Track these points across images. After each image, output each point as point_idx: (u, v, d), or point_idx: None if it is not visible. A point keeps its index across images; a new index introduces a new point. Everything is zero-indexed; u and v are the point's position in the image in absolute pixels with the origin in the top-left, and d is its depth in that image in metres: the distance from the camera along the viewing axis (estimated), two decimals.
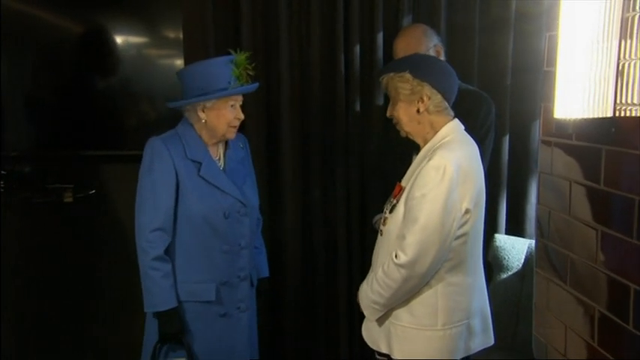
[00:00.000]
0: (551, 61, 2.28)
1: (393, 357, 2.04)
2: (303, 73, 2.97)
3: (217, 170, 2.27)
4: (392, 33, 2.82)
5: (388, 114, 2.08)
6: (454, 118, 2.04)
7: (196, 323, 2.25)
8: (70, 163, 3.12)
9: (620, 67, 1.90)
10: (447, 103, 2.01)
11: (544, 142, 2.40)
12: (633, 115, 1.84)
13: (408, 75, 1.98)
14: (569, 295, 2.19)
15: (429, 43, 2.58)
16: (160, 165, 2.18)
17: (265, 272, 2.54)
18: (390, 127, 2.15)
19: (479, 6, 2.94)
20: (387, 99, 2.10)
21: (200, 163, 2.23)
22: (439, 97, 1.98)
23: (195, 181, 2.21)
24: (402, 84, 1.99)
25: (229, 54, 2.21)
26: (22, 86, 3.15)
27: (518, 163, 3.00)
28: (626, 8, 1.88)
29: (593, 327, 2.04)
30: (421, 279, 1.93)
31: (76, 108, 3.10)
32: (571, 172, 2.17)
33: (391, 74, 2.02)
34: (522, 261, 2.78)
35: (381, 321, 2.06)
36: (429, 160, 1.91)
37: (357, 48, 2.93)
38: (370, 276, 2.06)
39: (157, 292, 2.17)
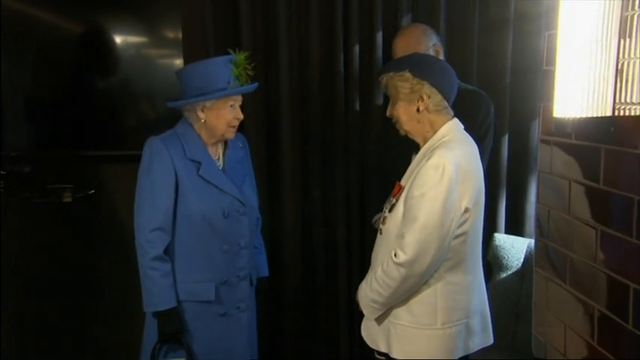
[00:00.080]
0: (551, 61, 2.28)
1: (392, 356, 2.04)
2: (303, 72, 2.97)
3: (216, 170, 2.27)
4: (391, 32, 2.81)
5: (388, 113, 2.08)
6: (453, 117, 2.04)
7: (196, 323, 2.25)
8: (69, 163, 3.12)
9: (620, 66, 1.90)
10: (446, 103, 2.01)
11: (543, 141, 2.40)
12: (632, 114, 1.84)
13: (407, 74, 1.98)
14: (569, 294, 2.19)
15: (429, 43, 2.58)
16: (159, 165, 2.18)
17: (265, 272, 2.54)
18: (390, 126, 2.15)
19: (478, 6, 2.94)
20: (386, 99, 2.10)
21: (199, 163, 2.23)
22: (439, 96, 1.99)
23: (195, 181, 2.21)
24: (402, 83, 1.99)
25: (228, 54, 2.21)
26: (22, 86, 3.15)
27: (518, 162, 3.01)
28: (625, 7, 1.88)
29: (593, 326, 2.04)
30: (420, 278, 1.93)
31: (75, 108, 3.10)
32: (570, 171, 2.17)
33: (391, 73, 2.02)
34: (522, 260, 2.79)
35: (380, 320, 2.06)
36: (429, 159, 1.92)
37: (357, 48, 2.93)
38: (369, 275, 2.06)
39: (157, 292, 2.17)
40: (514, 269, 2.79)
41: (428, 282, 1.96)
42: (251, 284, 2.40)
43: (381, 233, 2.08)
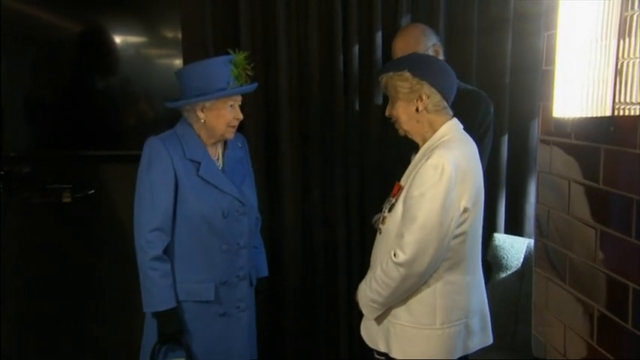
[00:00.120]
0: (550, 61, 2.28)
1: (391, 356, 2.04)
2: (302, 72, 2.98)
3: (216, 170, 2.27)
4: (390, 33, 2.82)
5: (387, 113, 2.08)
6: (453, 117, 2.04)
7: (195, 323, 2.25)
8: (69, 163, 3.12)
9: (619, 66, 1.89)
10: (445, 103, 2.01)
11: (543, 141, 2.40)
12: (632, 114, 1.84)
13: (407, 74, 1.98)
14: (569, 294, 2.18)
15: (428, 43, 2.58)
16: (158, 165, 2.18)
17: (264, 272, 2.54)
18: (389, 126, 2.15)
19: (477, 6, 2.95)
20: (385, 99, 2.10)
21: (199, 163, 2.23)
22: (438, 96, 1.99)
23: (194, 181, 2.21)
24: (402, 82, 1.99)
25: (228, 54, 2.21)
26: (21, 86, 3.15)
27: (517, 162, 3.01)
28: (624, 7, 1.88)
29: (593, 326, 2.04)
30: (419, 278, 1.93)
31: (74, 108, 3.10)
32: (570, 171, 2.17)
33: (390, 73, 2.02)
34: (521, 260, 2.79)
35: (379, 320, 2.06)
36: (428, 159, 1.92)
37: (356, 48, 2.94)
38: (369, 275, 2.06)
39: (156, 292, 2.17)
40: (513, 269, 2.79)
41: (427, 282, 1.96)
42: (250, 284, 2.40)
43: (380, 233, 2.08)
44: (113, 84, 3.20)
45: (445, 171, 1.87)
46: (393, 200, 2.03)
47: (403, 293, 1.97)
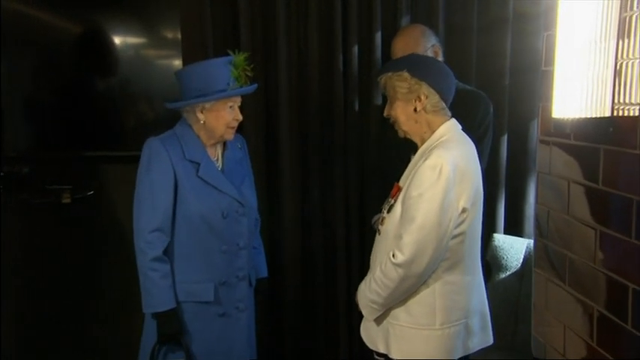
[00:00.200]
0: (550, 61, 2.28)
1: (390, 356, 2.04)
2: (302, 73, 2.97)
3: (215, 171, 2.27)
4: (390, 33, 2.81)
5: (385, 113, 2.08)
6: (451, 117, 2.04)
7: (195, 323, 2.25)
8: (68, 163, 3.12)
9: (618, 67, 1.89)
10: (444, 103, 2.01)
11: (542, 141, 2.40)
12: (631, 114, 1.84)
13: (406, 74, 1.98)
14: (568, 294, 2.19)
15: (427, 44, 2.58)
16: (158, 165, 2.18)
17: (264, 272, 2.54)
18: (388, 127, 2.15)
19: (477, 6, 2.94)
20: (385, 99, 2.11)
21: (198, 164, 2.23)
22: (436, 96, 1.99)
23: (194, 182, 2.21)
24: (400, 83, 2.00)
25: (228, 54, 2.21)
26: (21, 87, 3.15)
27: (517, 162, 3.00)
28: (623, 8, 1.88)
29: (592, 326, 2.04)
30: (418, 278, 1.93)
31: (74, 109, 3.11)
32: (569, 171, 2.17)
33: (389, 74, 2.02)
34: (521, 261, 2.79)
35: (379, 321, 2.06)
36: (426, 159, 1.92)
37: (356, 48, 2.93)
38: (368, 276, 2.06)
39: (156, 293, 2.17)
40: (513, 270, 2.79)
41: (426, 282, 1.96)
42: (250, 284, 2.40)
43: (379, 234, 2.08)
44: (113, 85, 3.20)
45: (443, 171, 1.87)
46: (392, 201, 2.03)
47: (402, 294, 1.97)
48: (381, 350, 2.08)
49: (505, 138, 2.98)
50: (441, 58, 2.60)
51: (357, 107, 2.99)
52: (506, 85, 2.95)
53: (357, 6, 2.91)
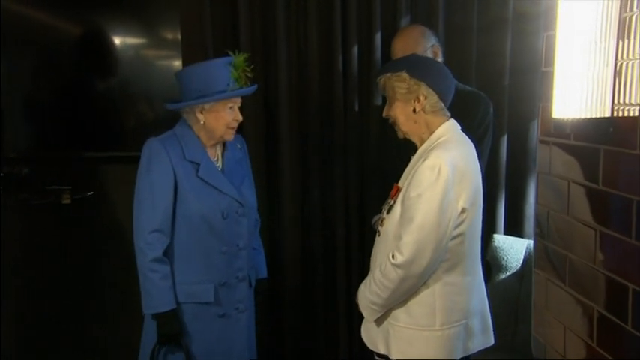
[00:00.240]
0: (549, 61, 2.28)
1: (391, 357, 2.04)
2: (301, 73, 2.97)
3: (215, 171, 2.27)
4: (390, 33, 2.81)
5: (384, 114, 2.08)
6: (450, 118, 2.04)
7: (195, 324, 2.25)
8: (68, 164, 3.12)
9: (618, 67, 1.90)
10: (443, 104, 2.01)
11: (542, 142, 2.40)
12: (631, 115, 1.84)
13: (405, 74, 1.99)
14: (568, 295, 2.19)
15: (427, 44, 2.58)
16: (157, 166, 2.18)
17: (263, 273, 2.54)
18: (389, 126, 2.15)
19: (477, 6, 2.94)
20: (385, 99, 2.11)
21: (198, 164, 2.23)
22: (435, 97, 1.99)
23: (194, 182, 2.21)
24: (399, 83, 2.00)
25: (227, 55, 2.20)
26: (21, 87, 3.15)
27: (517, 163, 3.00)
28: (623, 8, 1.88)
29: (592, 327, 2.04)
30: (418, 279, 1.93)
31: (74, 109, 3.11)
32: (569, 172, 2.17)
33: (388, 74, 2.03)
34: (521, 261, 2.79)
35: (379, 321, 2.06)
36: (425, 160, 1.92)
37: (355, 48, 2.93)
38: (369, 277, 2.06)
39: (156, 294, 2.17)
40: (513, 270, 2.79)
41: (426, 283, 1.96)
42: (250, 285, 2.40)
43: (379, 235, 2.08)
44: (112, 85, 3.20)
45: (442, 172, 1.87)
46: (392, 202, 2.04)
47: (402, 295, 1.97)
48: (382, 351, 2.07)
49: (505, 138, 2.98)
50: (440, 59, 2.60)
51: (357, 107, 2.99)
52: (506, 85, 2.95)
53: (357, 6, 2.91)
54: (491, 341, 2.12)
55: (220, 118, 2.21)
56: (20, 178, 3.06)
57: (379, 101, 2.94)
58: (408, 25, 2.85)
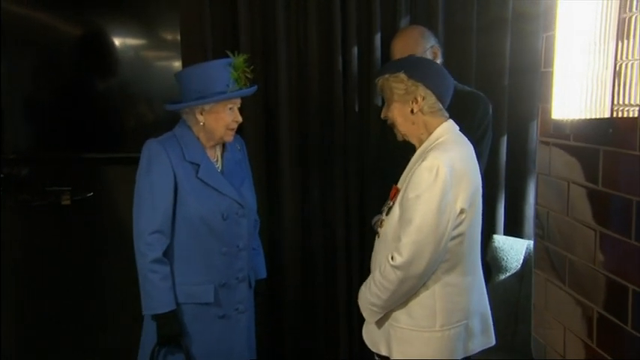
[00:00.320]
0: (549, 62, 2.28)
1: (392, 358, 2.04)
2: (301, 74, 2.97)
3: (215, 172, 2.27)
4: (389, 34, 2.81)
5: (382, 115, 2.09)
6: (448, 119, 2.04)
7: (195, 325, 2.25)
8: (68, 165, 3.12)
9: (618, 68, 1.90)
10: (441, 105, 2.01)
11: (542, 142, 2.40)
12: (631, 115, 1.84)
13: (402, 75, 1.99)
14: (568, 295, 2.19)
15: (426, 45, 2.58)
16: (157, 167, 2.18)
17: (263, 273, 2.54)
18: (387, 128, 2.16)
19: (476, 6, 2.94)
20: (384, 100, 2.11)
21: (198, 165, 2.23)
22: (433, 98, 1.99)
23: (194, 183, 2.21)
24: (397, 84, 2.00)
25: (227, 56, 2.20)
26: (21, 88, 3.15)
27: (516, 163, 3.00)
28: (623, 9, 1.88)
29: (592, 327, 2.04)
30: (418, 280, 1.93)
31: (74, 110, 3.11)
32: (569, 172, 2.17)
33: (386, 75, 2.03)
34: (521, 262, 2.79)
35: (380, 323, 2.06)
36: (423, 161, 1.92)
37: (355, 49, 2.93)
38: (369, 279, 2.06)
39: (156, 295, 2.17)
40: (513, 271, 2.79)
41: (426, 284, 1.96)
42: (250, 286, 2.40)
43: (379, 236, 2.08)
44: (112, 86, 3.21)
45: (440, 173, 1.87)
46: (391, 203, 2.04)
47: (402, 296, 1.97)
48: (383, 352, 2.07)
49: (505, 139, 2.98)
50: (440, 59, 2.60)
51: (356, 107, 2.99)
52: (506, 85, 2.95)
53: (357, 7, 2.91)
54: (492, 342, 2.12)
55: (220, 119, 2.21)
56: (20, 179, 3.06)
57: (379, 102, 2.94)
58: (407, 26, 2.85)
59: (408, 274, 1.90)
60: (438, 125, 2.01)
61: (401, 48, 2.56)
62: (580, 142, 2.10)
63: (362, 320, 2.16)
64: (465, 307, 2.01)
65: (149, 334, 2.25)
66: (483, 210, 2.06)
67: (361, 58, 2.95)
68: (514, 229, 3.02)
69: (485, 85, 2.88)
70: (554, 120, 2.22)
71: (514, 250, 2.81)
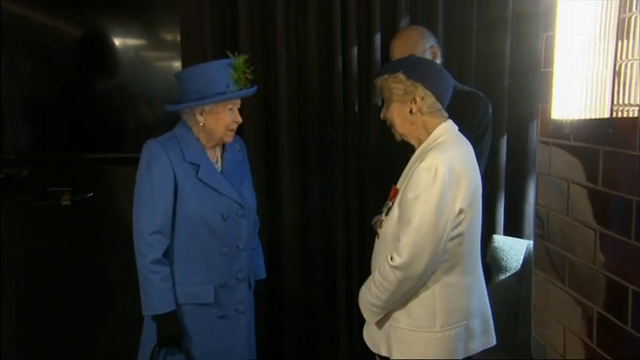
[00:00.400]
0: (549, 62, 2.28)
1: (392, 359, 2.04)
2: (301, 74, 2.97)
3: (215, 172, 2.27)
4: (389, 34, 2.81)
5: (382, 115, 2.09)
6: (448, 119, 2.04)
7: (195, 325, 2.25)
8: (68, 165, 3.12)
9: (617, 68, 1.90)
10: (440, 105, 2.01)
11: (542, 142, 2.40)
12: (630, 115, 1.84)
13: (401, 75, 1.99)
14: (568, 295, 2.19)
15: (426, 45, 2.58)
16: (157, 167, 2.18)
17: (262, 274, 2.54)
18: (387, 128, 2.16)
19: (476, 7, 2.94)
20: (384, 101, 2.11)
21: (198, 166, 2.23)
22: (432, 98, 1.99)
23: (193, 184, 2.21)
24: (396, 84, 2.00)
25: (227, 56, 2.20)
26: (21, 88, 3.15)
27: (516, 163, 3.00)
28: (622, 9, 1.88)
29: (592, 328, 2.04)
30: (417, 280, 1.93)
31: (74, 110, 3.11)
32: (569, 172, 2.17)
33: (385, 76, 2.03)
34: (521, 262, 2.79)
35: (380, 324, 2.06)
36: (421, 161, 1.92)
37: (355, 49, 2.93)
38: (369, 279, 2.06)
39: (156, 295, 2.17)
40: (513, 271, 2.79)
41: (426, 284, 1.96)
42: (249, 286, 2.40)
43: (378, 237, 2.08)
44: (112, 86, 3.21)
45: (438, 173, 1.87)
46: (390, 204, 2.04)
47: (402, 296, 1.97)
48: (383, 353, 2.07)
49: (504, 139, 2.98)
50: (439, 60, 2.60)
51: (356, 107, 2.99)
52: (506, 85, 2.95)
53: (357, 7, 2.91)
54: (493, 342, 2.12)
55: (220, 120, 2.21)
56: (20, 180, 3.06)
57: (379, 102, 2.94)
58: (407, 26, 2.85)
59: (407, 274, 1.90)
60: (437, 125, 2.01)
61: (400, 48, 2.56)
62: (580, 142, 2.10)
63: (362, 321, 2.16)
64: (465, 308, 2.01)
65: (149, 335, 2.25)
66: (483, 210, 2.06)
67: (361, 58, 2.95)
68: (514, 229, 3.02)
69: (485, 85, 2.88)
70: (554, 120, 2.22)
71: (514, 250, 2.81)
